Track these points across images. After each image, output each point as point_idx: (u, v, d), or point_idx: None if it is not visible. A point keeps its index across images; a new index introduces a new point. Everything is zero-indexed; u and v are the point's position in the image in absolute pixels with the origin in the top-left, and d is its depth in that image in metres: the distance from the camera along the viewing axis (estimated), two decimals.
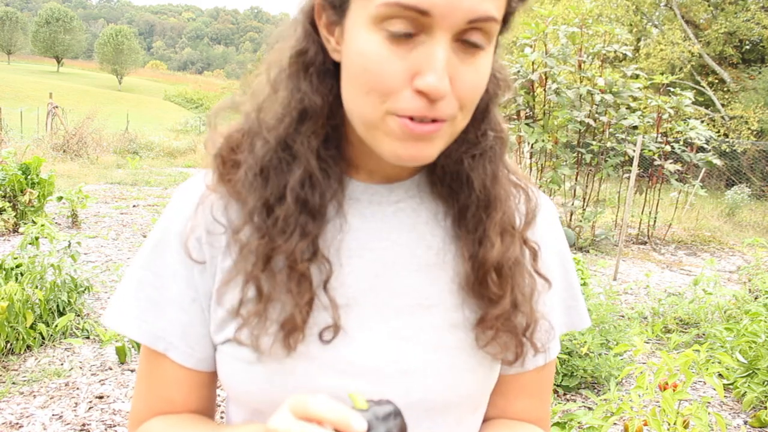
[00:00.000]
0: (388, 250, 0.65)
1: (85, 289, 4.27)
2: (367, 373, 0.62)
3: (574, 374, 3.49)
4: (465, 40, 0.53)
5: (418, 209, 0.67)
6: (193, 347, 0.66)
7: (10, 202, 6.87)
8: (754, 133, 17.37)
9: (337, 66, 0.59)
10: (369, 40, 0.53)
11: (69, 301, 4.05)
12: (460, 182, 0.65)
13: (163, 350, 0.65)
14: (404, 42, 0.52)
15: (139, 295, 0.66)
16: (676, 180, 8.64)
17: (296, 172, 0.60)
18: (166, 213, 0.68)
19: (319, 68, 0.60)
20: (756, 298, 4.90)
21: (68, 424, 2.95)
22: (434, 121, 0.55)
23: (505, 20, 0.57)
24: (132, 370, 3.56)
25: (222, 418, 3.12)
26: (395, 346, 0.63)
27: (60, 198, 7.13)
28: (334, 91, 0.60)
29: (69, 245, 4.28)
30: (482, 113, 0.64)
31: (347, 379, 0.61)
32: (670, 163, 8.44)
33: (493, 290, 0.64)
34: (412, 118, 0.54)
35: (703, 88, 19.74)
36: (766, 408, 3.42)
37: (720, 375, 3.75)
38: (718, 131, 17.96)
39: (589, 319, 0.77)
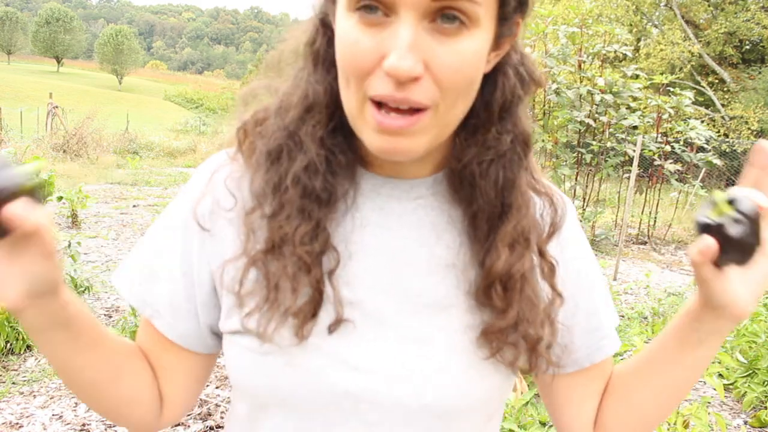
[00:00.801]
0: (407, 248, 0.63)
1: (85, 289, 4.27)
2: (379, 373, 0.60)
3: None
4: (440, 20, 0.52)
5: (438, 208, 0.65)
6: (176, 320, 0.66)
7: None
8: (754, 133, 17.38)
9: None
10: (346, 25, 0.54)
11: None
12: (476, 186, 0.62)
13: (149, 316, 0.67)
14: (376, 24, 0.52)
15: (141, 261, 0.68)
16: (676, 180, 8.64)
17: (300, 159, 0.60)
18: (184, 186, 0.69)
19: (326, 60, 0.61)
20: None
21: (68, 424, 2.95)
22: (413, 111, 0.53)
23: (505, 3, 0.55)
24: None
25: (218, 406, 3.10)
26: (410, 347, 0.61)
27: (60, 198, 7.12)
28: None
29: (69, 245, 4.29)
30: (503, 112, 0.61)
31: (358, 377, 0.60)
32: (670, 163, 8.44)
33: (496, 302, 0.62)
34: (380, 105, 0.53)
35: (703, 88, 19.75)
36: (766, 408, 3.42)
37: (720, 375, 3.75)
38: (718, 131, 17.96)
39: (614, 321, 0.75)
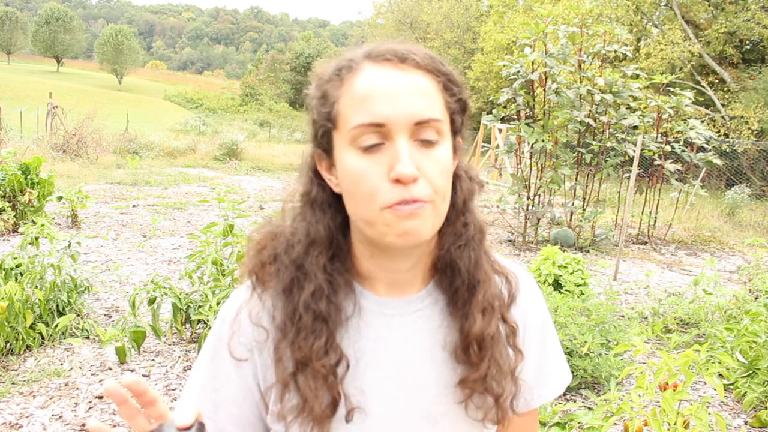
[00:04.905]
0: (413, 354, 0.79)
1: (84, 289, 4.27)
2: None
3: (575, 374, 3.49)
4: (420, 139, 0.69)
5: (432, 310, 0.81)
6: (246, 429, 0.81)
7: (9, 202, 6.87)
8: (755, 133, 17.36)
9: (338, 198, 0.76)
10: (350, 158, 0.70)
11: (69, 301, 4.05)
12: (452, 269, 0.79)
13: None
14: (375, 151, 0.69)
15: (202, 397, 0.81)
16: (676, 180, 8.64)
17: (307, 287, 0.75)
18: (216, 324, 0.83)
19: (321, 203, 0.78)
20: (756, 298, 4.90)
21: (68, 424, 2.95)
22: (416, 201, 0.68)
23: (453, 121, 0.74)
24: (132, 370, 3.56)
25: None
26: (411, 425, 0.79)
27: (60, 198, 7.12)
28: (336, 220, 0.77)
29: (69, 245, 4.29)
30: (462, 208, 0.79)
31: None
32: (670, 163, 8.44)
33: (473, 358, 0.78)
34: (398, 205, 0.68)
35: (704, 88, 19.74)
36: (766, 408, 3.42)
37: (720, 375, 3.75)
38: (719, 131, 17.95)
39: (564, 376, 0.91)
